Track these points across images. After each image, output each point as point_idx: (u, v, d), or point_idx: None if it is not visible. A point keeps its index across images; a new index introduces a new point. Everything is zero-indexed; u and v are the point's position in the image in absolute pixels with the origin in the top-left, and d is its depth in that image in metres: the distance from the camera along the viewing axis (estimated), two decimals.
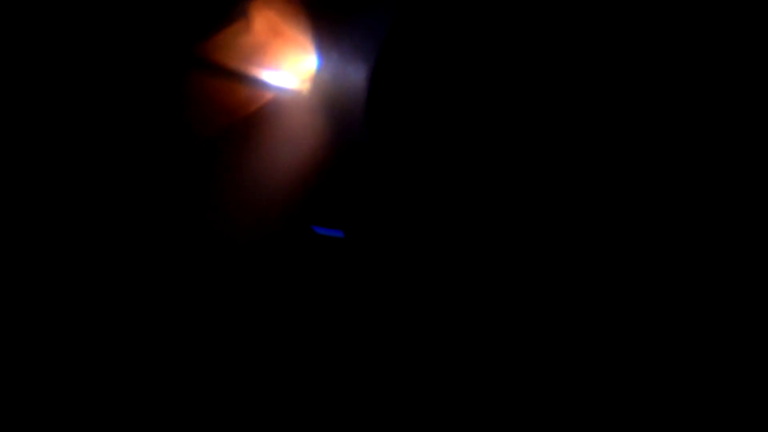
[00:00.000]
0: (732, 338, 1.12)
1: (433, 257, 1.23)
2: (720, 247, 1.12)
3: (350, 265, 1.29)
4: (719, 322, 1.13)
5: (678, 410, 1.12)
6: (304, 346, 1.28)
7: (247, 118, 1.29)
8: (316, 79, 1.27)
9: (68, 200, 1.23)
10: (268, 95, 1.28)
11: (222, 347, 1.27)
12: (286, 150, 1.29)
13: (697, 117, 1.11)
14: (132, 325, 1.25)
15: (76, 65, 1.20)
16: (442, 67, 1.14)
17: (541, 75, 1.10)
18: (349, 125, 1.25)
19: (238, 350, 1.27)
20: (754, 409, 1.09)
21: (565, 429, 1.15)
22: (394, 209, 1.25)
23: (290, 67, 1.27)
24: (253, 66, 1.25)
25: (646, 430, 1.13)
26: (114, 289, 1.25)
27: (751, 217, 1.11)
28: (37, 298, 1.22)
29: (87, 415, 1.22)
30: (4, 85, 1.18)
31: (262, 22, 1.24)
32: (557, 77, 1.08)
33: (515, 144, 1.14)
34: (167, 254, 1.27)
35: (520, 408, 1.16)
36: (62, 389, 1.21)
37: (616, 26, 1.06)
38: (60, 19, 1.19)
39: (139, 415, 1.23)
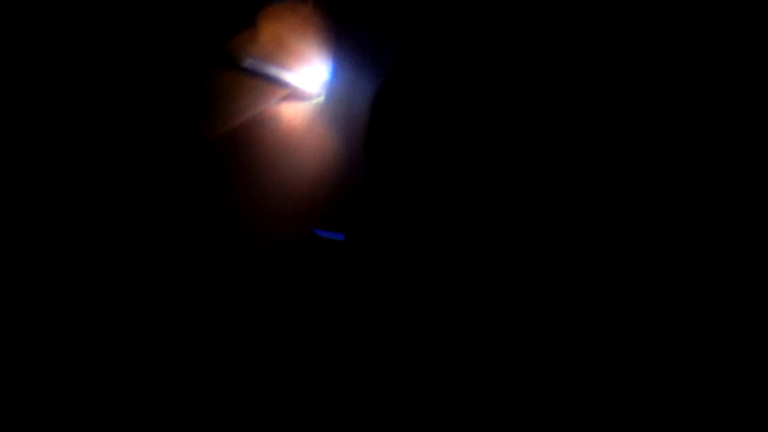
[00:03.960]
0: (732, 338, 1.12)
1: (435, 260, 1.24)
2: (720, 247, 1.12)
3: (351, 268, 1.29)
4: (719, 322, 1.13)
5: (678, 410, 1.12)
6: (305, 348, 1.28)
7: (255, 120, 1.30)
8: (326, 88, 1.29)
9: (77, 196, 1.23)
10: (278, 99, 1.29)
11: (225, 349, 1.27)
12: (293, 153, 1.30)
13: (697, 117, 1.11)
14: (134, 326, 1.25)
15: (81, 61, 1.20)
16: (450, 89, 1.14)
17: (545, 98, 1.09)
18: (356, 133, 1.26)
19: (240, 352, 1.27)
20: (754, 409, 1.09)
21: (565, 429, 1.15)
22: (396, 212, 1.25)
23: (300, 74, 1.28)
24: (264, 68, 1.26)
25: (646, 430, 1.13)
26: (117, 288, 1.25)
27: (751, 218, 1.12)
28: (40, 299, 1.23)
29: (88, 415, 1.23)
30: (14, 75, 1.19)
31: (271, 28, 1.25)
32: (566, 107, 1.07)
33: (517, 157, 1.14)
34: (170, 253, 1.28)
35: (522, 409, 1.16)
36: (67, 389, 1.21)
37: (632, 63, 1.05)
38: (71, 15, 1.20)
39: (140, 415, 1.23)
